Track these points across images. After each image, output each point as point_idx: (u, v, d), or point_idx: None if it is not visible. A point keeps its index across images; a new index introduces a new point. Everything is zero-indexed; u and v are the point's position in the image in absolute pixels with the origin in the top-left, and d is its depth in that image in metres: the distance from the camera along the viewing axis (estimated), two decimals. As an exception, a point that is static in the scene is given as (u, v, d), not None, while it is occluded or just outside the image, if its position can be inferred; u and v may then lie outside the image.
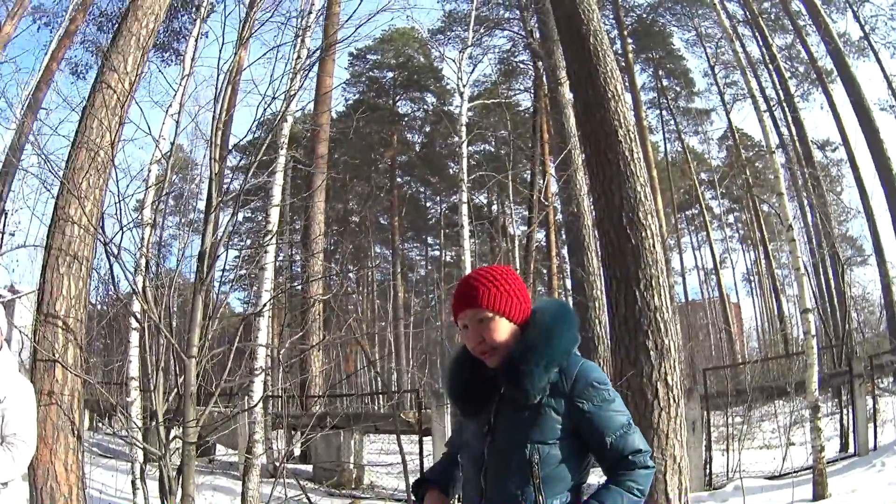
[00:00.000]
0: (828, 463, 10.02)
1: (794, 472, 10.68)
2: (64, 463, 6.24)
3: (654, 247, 7.29)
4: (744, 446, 11.47)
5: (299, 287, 18.05)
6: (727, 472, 11.30)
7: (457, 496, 2.85)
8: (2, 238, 19.25)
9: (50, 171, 7.11)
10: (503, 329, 2.53)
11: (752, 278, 39.41)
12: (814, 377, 9.96)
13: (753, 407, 13.08)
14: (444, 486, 2.80)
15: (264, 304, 9.49)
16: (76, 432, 6.40)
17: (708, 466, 11.30)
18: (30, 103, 17.80)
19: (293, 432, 13.62)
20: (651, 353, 6.96)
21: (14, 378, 4.01)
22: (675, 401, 6.92)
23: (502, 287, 2.55)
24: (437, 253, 40.43)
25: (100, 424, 18.30)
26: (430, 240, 41.41)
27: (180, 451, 7.69)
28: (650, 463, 2.45)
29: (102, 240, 6.58)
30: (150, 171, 8.77)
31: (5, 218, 19.64)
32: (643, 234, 7.27)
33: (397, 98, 35.92)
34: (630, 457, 2.41)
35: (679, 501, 6.67)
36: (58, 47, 20.96)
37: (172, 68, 23.44)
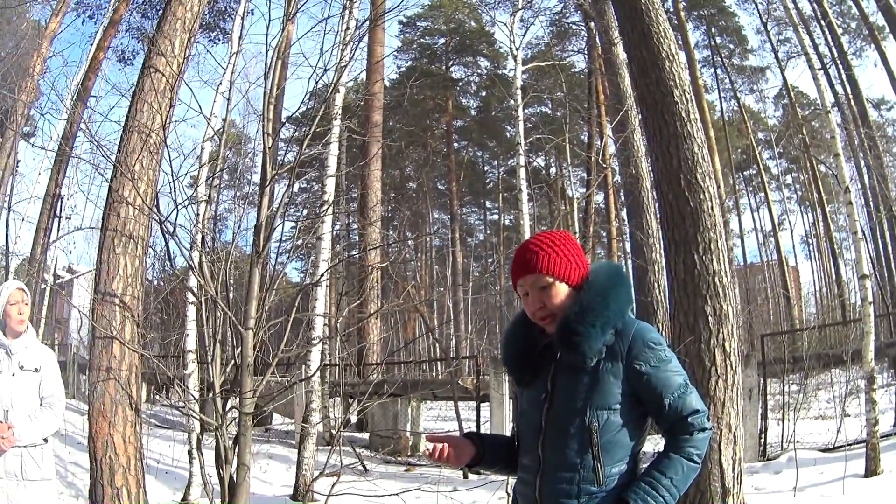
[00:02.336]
0: (881, 437, 9.72)
1: (848, 444, 10.40)
2: (122, 435, 6.47)
3: (712, 209, 7.18)
4: (799, 416, 11.24)
5: (357, 256, 18.20)
6: (782, 442, 11.11)
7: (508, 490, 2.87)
8: (59, 222, 20.01)
9: (103, 155, 7.28)
10: (563, 294, 2.52)
11: (810, 241, 38.43)
12: (870, 346, 9.61)
13: (810, 375, 12.83)
14: (484, 446, 2.77)
15: (322, 274, 9.55)
16: (134, 406, 6.60)
17: (763, 436, 11.15)
18: (79, 93, 18.18)
19: (350, 400, 13.80)
20: (709, 318, 6.88)
21: (42, 349, 4.77)
22: (732, 368, 6.84)
23: (561, 252, 2.54)
24: (496, 217, 40.27)
25: (157, 397, 18.88)
26: (488, 204, 41.29)
27: (237, 421, 7.88)
28: (707, 425, 2.43)
29: (158, 219, 6.70)
30: (203, 148, 8.87)
31: (61, 203, 20.33)
32: (701, 196, 7.15)
33: (450, 63, 35.71)
34: (689, 418, 2.40)
35: (733, 471, 6.61)
36: (103, 37, 21.31)
37: (220, 47, 23.78)
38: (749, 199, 38.43)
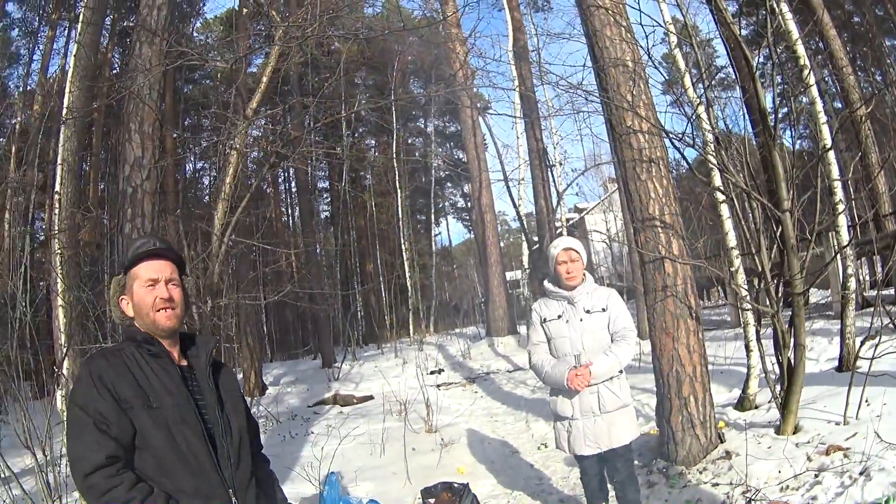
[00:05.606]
0: None
1: None
2: (686, 346, 6.70)
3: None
4: None
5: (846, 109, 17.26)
6: None
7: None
8: (552, 172, 22.44)
9: (586, 99, 7.61)
10: None
11: None
12: None
13: None
14: None
15: (833, 138, 9.00)
16: (694, 315, 6.78)
17: None
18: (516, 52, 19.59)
19: (874, 257, 13.12)
20: None
21: (604, 290, 5.12)
22: None
23: None
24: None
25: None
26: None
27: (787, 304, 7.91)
28: None
29: (669, 135, 6.91)
30: (676, 55, 8.81)
31: (547, 156, 22.76)
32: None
33: None
34: None
35: None
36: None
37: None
38: None
